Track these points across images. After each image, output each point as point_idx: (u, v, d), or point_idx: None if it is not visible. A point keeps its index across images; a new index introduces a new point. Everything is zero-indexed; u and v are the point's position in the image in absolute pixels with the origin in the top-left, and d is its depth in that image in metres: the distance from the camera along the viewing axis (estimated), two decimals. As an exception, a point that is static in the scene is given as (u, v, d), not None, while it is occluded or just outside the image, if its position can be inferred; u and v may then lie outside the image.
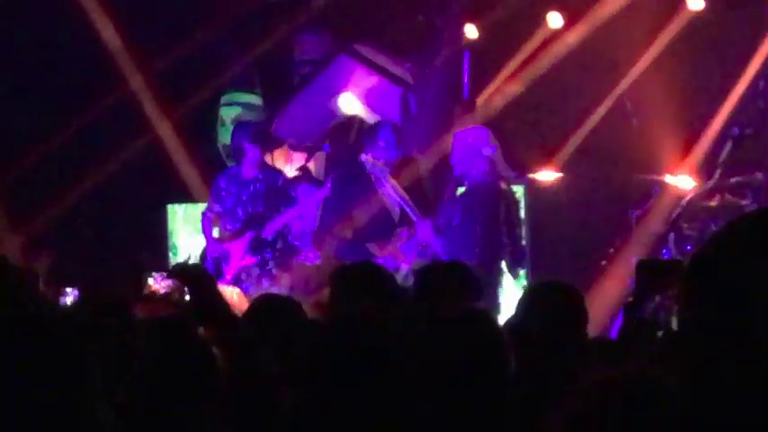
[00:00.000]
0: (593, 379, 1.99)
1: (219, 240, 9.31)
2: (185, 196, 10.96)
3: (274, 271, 9.21)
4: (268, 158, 10.49)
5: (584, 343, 4.22)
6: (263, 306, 4.68)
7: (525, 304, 4.37)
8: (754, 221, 1.86)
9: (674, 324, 3.13)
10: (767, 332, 1.78)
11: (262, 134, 9.37)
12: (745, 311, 1.80)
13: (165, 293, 3.46)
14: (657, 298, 3.72)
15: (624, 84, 10.08)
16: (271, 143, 10.62)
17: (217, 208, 9.36)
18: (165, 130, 10.91)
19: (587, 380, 1.99)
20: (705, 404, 1.86)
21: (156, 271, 3.46)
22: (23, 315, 2.62)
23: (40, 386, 2.43)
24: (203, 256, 9.45)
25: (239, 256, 9.16)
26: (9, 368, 2.44)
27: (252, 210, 9.24)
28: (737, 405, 1.83)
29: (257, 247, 9.19)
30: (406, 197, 8.65)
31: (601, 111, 10.23)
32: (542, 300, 4.33)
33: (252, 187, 9.27)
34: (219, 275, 8.93)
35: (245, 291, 8.75)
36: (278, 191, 9.31)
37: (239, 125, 9.75)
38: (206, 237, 9.45)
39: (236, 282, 8.93)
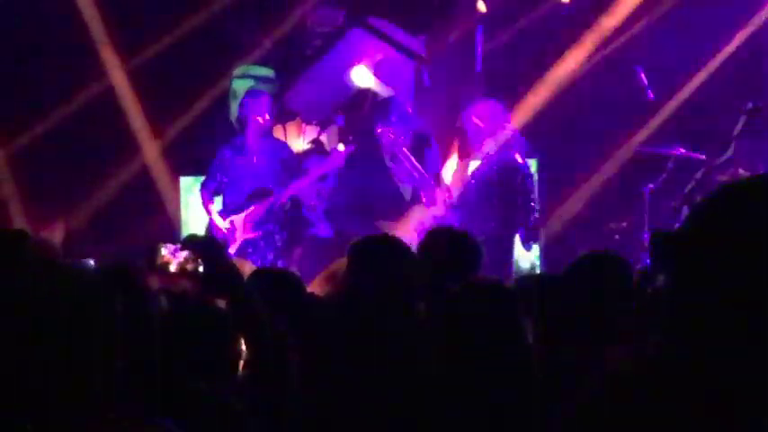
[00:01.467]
0: (606, 367, 1.97)
1: (224, 213, 9.27)
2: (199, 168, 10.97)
3: (279, 244, 9.17)
4: (280, 131, 10.47)
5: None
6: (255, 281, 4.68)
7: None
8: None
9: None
10: None
11: (268, 105, 9.30)
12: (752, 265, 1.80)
13: (179, 264, 3.43)
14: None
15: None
16: (284, 116, 10.61)
17: (220, 178, 9.31)
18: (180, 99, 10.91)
19: (602, 367, 1.97)
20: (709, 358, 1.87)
21: (170, 242, 3.44)
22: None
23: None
24: (208, 228, 9.38)
25: (245, 228, 9.12)
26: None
27: (257, 182, 9.21)
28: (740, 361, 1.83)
29: (263, 219, 9.15)
30: (422, 170, 8.65)
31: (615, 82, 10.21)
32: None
33: (257, 159, 9.24)
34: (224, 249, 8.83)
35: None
36: (284, 162, 9.26)
37: (247, 94, 9.68)
38: (207, 210, 9.38)
39: (241, 255, 8.85)
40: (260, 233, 9.07)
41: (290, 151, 9.58)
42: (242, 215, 9.14)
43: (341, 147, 9.07)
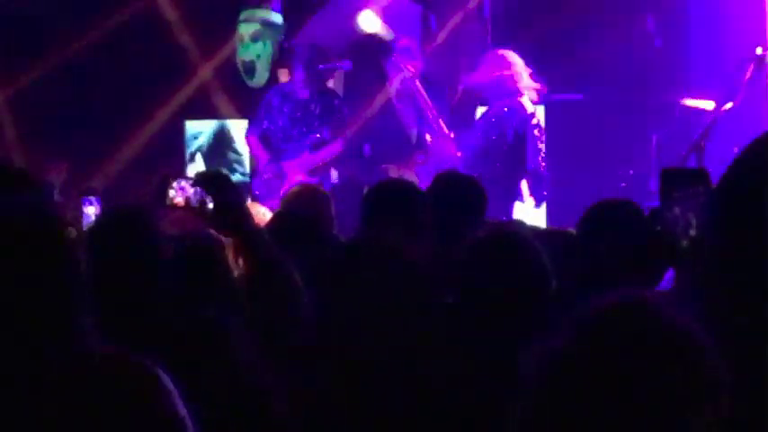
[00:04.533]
0: (587, 307, 1.93)
1: (273, 159, 9.21)
2: (204, 112, 10.96)
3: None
4: (286, 76, 10.43)
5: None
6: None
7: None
8: None
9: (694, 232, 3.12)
10: None
11: (308, 54, 9.22)
12: None
13: (188, 202, 3.42)
14: (678, 210, 3.68)
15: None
16: (291, 60, 10.56)
17: (267, 125, 9.27)
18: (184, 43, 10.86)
19: (582, 308, 1.93)
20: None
21: (182, 178, 3.42)
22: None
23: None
24: (252, 173, 9.33)
25: (297, 175, 9.08)
26: None
27: (308, 130, 9.15)
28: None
29: (315, 168, 9.11)
30: (432, 108, 8.66)
31: (621, 31, 10.16)
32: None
33: (307, 107, 9.17)
34: (272, 194, 8.80)
35: None
36: (334, 112, 9.20)
37: (289, 45, 9.62)
38: (257, 155, 9.36)
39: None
40: (315, 181, 8.99)
41: (341, 100, 9.46)
42: (294, 162, 9.08)
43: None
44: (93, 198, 7.28)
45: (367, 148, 9.38)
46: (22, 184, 4.64)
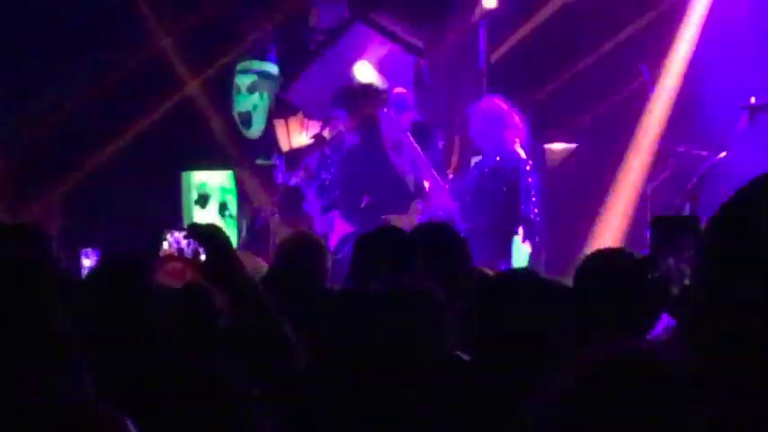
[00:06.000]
0: (588, 355, 1.94)
1: (324, 210, 9.24)
2: (201, 163, 10.97)
3: None
4: (282, 126, 10.48)
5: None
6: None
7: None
8: None
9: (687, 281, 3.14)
10: None
11: (344, 97, 9.25)
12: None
13: (180, 252, 3.43)
14: (671, 260, 3.69)
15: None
16: (286, 111, 10.62)
17: (324, 176, 9.29)
18: (184, 94, 10.90)
19: (584, 354, 1.94)
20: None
21: (176, 230, 3.44)
22: None
23: None
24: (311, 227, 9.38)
25: (342, 224, 9.08)
26: None
27: (350, 177, 9.16)
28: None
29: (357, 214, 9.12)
30: (425, 160, 8.69)
31: (617, 80, 10.21)
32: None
33: (351, 154, 9.19)
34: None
35: None
36: (373, 153, 9.20)
37: (336, 96, 9.63)
38: (312, 210, 9.38)
39: (337, 251, 8.69)
40: (356, 228, 8.97)
41: (380, 141, 9.39)
42: (339, 211, 9.09)
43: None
44: (90, 250, 7.28)
45: (365, 200, 9.39)
46: (21, 238, 4.66)
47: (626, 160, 10.16)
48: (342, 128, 9.24)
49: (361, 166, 9.28)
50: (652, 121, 10.12)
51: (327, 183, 9.27)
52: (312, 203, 9.44)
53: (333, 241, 8.95)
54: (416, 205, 8.99)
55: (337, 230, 9.00)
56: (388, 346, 2.98)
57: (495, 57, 10.57)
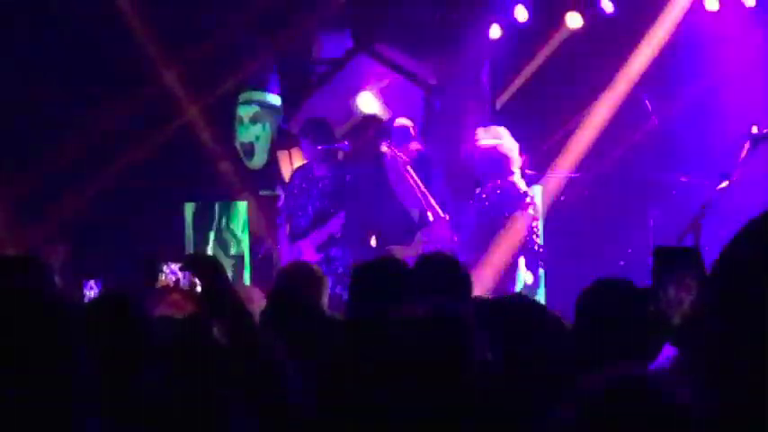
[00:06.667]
0: (590, 382, 1.95)
1: (291, 238, 9.27)
2: (203, 194, 10.97)
3: (341, 270, 8.96)
4: (285, 157, 10.49)
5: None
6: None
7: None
8: None
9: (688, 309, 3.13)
10: None
11: (321, 133, 9.31)
12: None
13: (177, 284, 3.44)
14: (673, 290, 3.68)
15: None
16: (289, 142, 10.63)
17: (292, 203, 9.35)
18: (186, 124, 10.91)
19: (585, 382, 1.95)
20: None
21: (171, 262, 3.45)
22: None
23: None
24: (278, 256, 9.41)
25: (308, 254, 9.09)
26: None
27: (320, 206, 9.19)
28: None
29: (323, 244, 9.13)
30: (426, 192, 8.69)
31: (619, 109, 10.22)
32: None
33: (321, 184, 9.23)
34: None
35: None
36: (345, 186, 9.24)
37: (304, 125, 9.69)
38: (280, 237, 9.46)
39: None
40: (320, 257, 8.98)
41: (355, 175, 9.43)
42: (306, 240, 9.13)
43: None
44: (93, 282, 7.29)
45: (372, 240, 9.44)
46: (23, 270, 4.65)
47: (629, 189, 10.16)
48: (310, 157, 9.27)
49: (364, 197, 9.29)
50: (652, 149, 10.13)
51: (294, 211, 9.30)
52: (280, 232, 9.48)
53: None
54: (420, 236, 8.99)
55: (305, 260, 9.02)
56: (428, 368, 2.99)
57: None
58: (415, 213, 9.26)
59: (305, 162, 9.55)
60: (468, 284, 5.19)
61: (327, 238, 9.13)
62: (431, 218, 8.77)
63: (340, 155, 9.66)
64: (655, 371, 3.92)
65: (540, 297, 8.72)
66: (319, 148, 9.21)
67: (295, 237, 9.25)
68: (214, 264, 3.59)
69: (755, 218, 1.95)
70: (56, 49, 10.66)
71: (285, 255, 9.28)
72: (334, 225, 9.12)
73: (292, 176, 9.52)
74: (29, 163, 10.54)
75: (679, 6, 10.14)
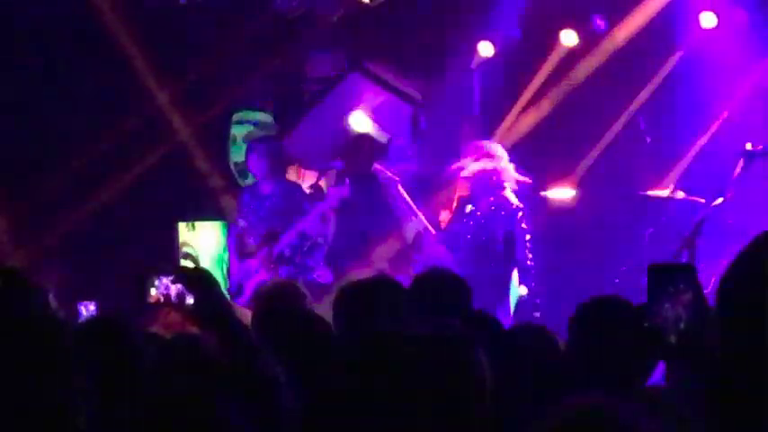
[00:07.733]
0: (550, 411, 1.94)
1: (240, 257, 9.29)
2: (197, 214, 10.95)
3: None
4: (294, 171, 10.53)
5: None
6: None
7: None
8: None
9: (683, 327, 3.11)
10: None
11: (269, 149, 9.40)
12: None
13: (167, 297, 3.41)
14: (668, 307, 3.65)
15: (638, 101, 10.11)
16: (282, 161, 10.61)
17: (242, 223, 9.41)
18: (178, 144, 10.90)
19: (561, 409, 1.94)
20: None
21: (163, 275, 3.42)
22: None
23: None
24: (228, 274, 9.48)
25: (257, 273, 9.09)
26: None
27: (269, 225, 9.21)
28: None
29: (272, 262, 9.15)
30: (417, 211, 8.69)
31: (615, 128, 10.23)
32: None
33: (269, 202, 9.25)
34: (240, 293, 8.91)
35: None
36: (294, 204, 9.27)
37: (251, 142, 9.83)
38: (230, 254, 9.51)
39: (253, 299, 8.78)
40: (270, 276, 9.00)
41: (302, 193, 9.56)
42: (255, 259, 9.16)
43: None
44: (88, 303, 7.24)
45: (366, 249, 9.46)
46: (16, 287, 4.62)
47: (625, 207, 10.16)
48: (259, 176, 9.30)
49: (357, 217, 9.29)
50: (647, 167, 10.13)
51: (245, 230, 9.32)
52: (230, 249, 9.53)
53: (248, 290, 8.94)
54: (413, 256, 8.98)
55: (255, 278, 9.00)
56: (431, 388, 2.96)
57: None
58: (409, 233, 9.23)
59: (255, 183, 9.63)
60: (468, 298, 5.17)
61: (277, 257, 9.15)
62: (423, 235, 8.76)
63: (329, 175, 9.71)
64: (651, 389, 3.91)
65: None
66: (313, 168, 9.27)
67: (243, 255, 9.27)
68: (206, 276, 3.56)
69: (758, 236, 1.94)
70: (49, 70, 10.65)
71: (234, 273, 9.32)
72: (282, 244, 9.14)
73: (242, 195, 9.59)
74: (25, 183, 10.53)
75: (672, 22, 10.18)
